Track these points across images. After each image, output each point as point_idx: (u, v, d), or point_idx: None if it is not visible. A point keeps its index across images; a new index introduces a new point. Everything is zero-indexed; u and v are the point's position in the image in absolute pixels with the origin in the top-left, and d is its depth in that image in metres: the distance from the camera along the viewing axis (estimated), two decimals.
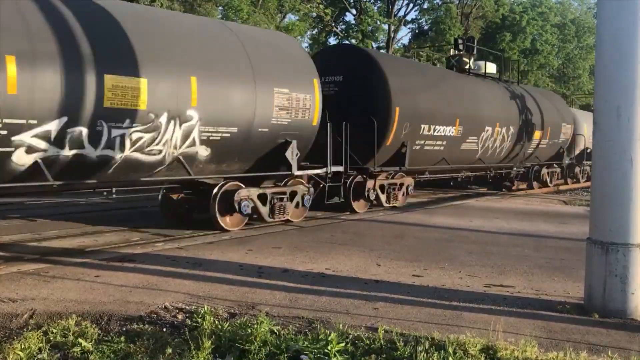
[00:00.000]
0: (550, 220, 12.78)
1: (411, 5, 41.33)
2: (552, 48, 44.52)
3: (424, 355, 4.31)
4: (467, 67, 18.44)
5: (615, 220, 5.55)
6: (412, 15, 76.22)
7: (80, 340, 4.49)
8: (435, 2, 42.31)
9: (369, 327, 5.03)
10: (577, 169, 25.13)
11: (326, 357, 4.26)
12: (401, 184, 14.67)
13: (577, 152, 24.63)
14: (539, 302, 6.04)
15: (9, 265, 7.17)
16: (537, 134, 20.36)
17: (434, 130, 14.74)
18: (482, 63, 19.82)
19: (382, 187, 13.88)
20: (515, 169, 20.51)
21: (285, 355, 4.29)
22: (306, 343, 4.48)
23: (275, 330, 4.79)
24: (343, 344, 4.45)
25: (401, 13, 41.09)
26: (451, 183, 20.71)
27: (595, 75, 5.97)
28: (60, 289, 6.06)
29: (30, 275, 6.66)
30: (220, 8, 27.42)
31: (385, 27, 39.07)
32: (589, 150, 23.84)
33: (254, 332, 4.56)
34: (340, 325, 4.86)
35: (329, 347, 4.33)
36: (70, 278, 6.55)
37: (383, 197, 13.91)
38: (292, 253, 8.30)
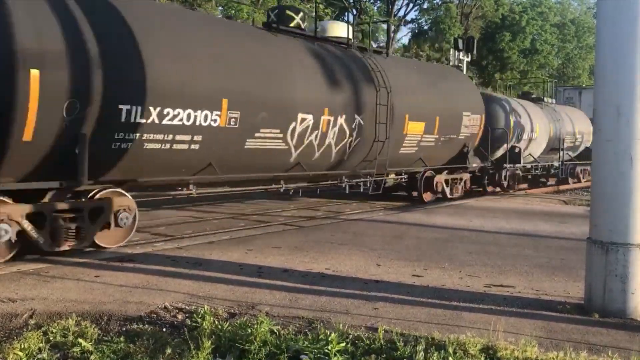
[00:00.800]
0: (550, 220, 12.77)
1: (411, 5, 41.43)
2: (552, 48, 44.53)
3: (424, 355, 4.32)
4: (291, 24, 11.72)
5: (615, 220, 5.55)
6: (412, 15, 76.36)
7: (80, 340, 4.49)
8: (435, 2, 42.37)
9: (369, 327, 5.03)
10: (498, 174, 18.93)
11: (326, 357, 4.26)
12: (98, 210, 7.92)
13: (499, 153, 18.60)
14: (539, 302, 6.04)
15: (9, 265, 7.16)
16: (416, 127, 14.03)
17: (163, 115, 8.31)
18: (329, 24, 13.54)
19: (36, 219, 7.35)
20: (387, 177, 14.28)
21: (285, 355, 4.29)
22: (306, 343, 4.47)
23: (275, 330, 4.78)
24: (343, 344, 4.44)
25: (401, 13, 41.19)
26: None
27: (595, 75, 5.97)
28: (60, 289, 6.06)
29: (30, 275, 6.66)
30: (220, 8, 27.44)
31: (385, 27, 39.09)
32: (517, 150, 18.69)
33: (254, 332, 4.56)
34: (340, 325, 4.85)
35: (329, 347, 4.33)
36: (70, 278, 6.54)
37: (40, 237, 7.34)
38: (292, 253, 8.30)
